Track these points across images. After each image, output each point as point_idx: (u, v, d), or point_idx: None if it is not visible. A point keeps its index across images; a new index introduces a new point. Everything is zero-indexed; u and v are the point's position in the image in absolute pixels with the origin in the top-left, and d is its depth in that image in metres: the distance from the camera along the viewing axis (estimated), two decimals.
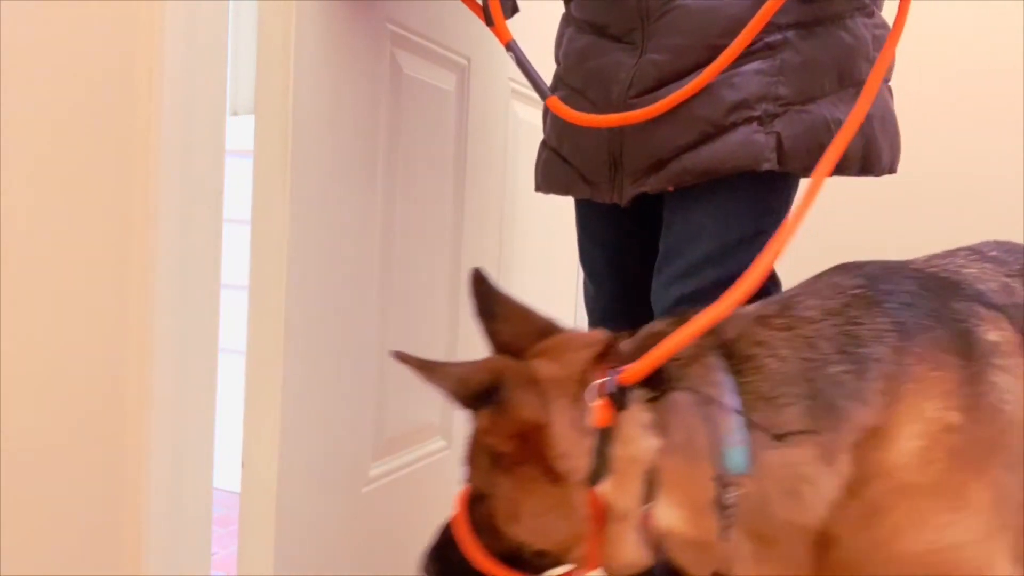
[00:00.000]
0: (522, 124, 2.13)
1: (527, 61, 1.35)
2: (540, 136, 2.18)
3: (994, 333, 0.98)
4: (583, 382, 0.98)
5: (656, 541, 0.97)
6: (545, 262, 2.37)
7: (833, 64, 1.29)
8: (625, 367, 0.97)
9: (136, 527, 1.19)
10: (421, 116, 1.67)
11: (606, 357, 1.01)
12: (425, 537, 1.70)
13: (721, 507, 0.94)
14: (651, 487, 0.96)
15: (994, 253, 1.11)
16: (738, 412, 0.94)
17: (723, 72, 1.25)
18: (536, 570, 1.05)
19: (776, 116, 1.27)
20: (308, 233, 1.38)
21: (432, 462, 1.74)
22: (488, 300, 1.11)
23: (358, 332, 1.53)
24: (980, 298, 1.01)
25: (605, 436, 0.95)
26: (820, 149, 1.24)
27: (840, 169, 1.30)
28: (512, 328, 1.09)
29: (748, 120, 1.26)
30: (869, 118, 1.31)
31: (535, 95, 2.16)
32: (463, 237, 1.86)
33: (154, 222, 1.18)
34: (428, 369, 0.97)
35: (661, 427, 0.96)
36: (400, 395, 1.63)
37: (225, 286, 1.27)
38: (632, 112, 1.29)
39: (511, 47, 1.36)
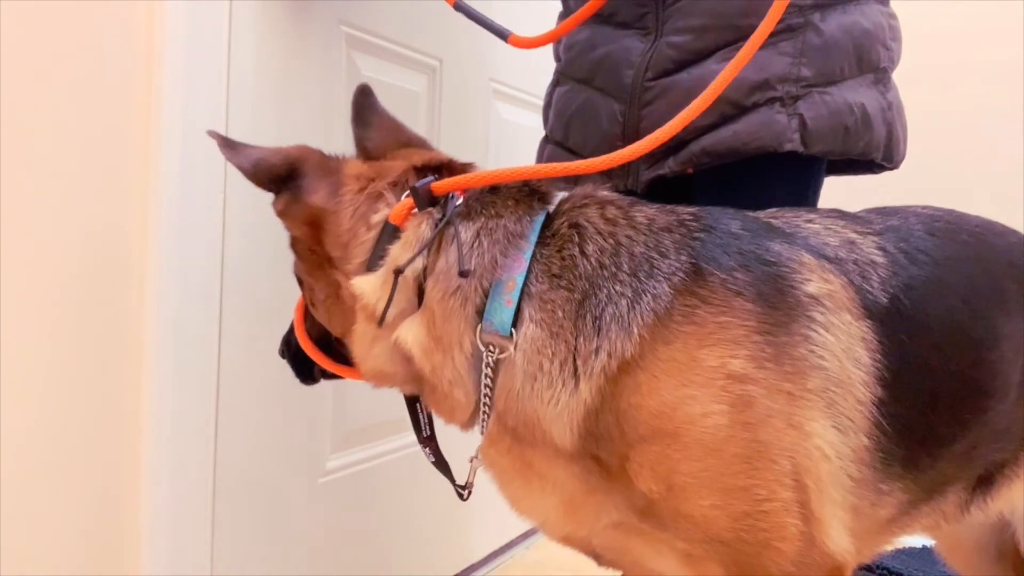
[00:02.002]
0: (506, 124, 2.13)
1: (477, 12, 1.39)
2: (526, 135, 2.18)
3: (815, 284, 0.93)
4: (395, 183, 0.99)
5: (403, 359, 0.96)
6: None
7: (853, 47, 1.30)
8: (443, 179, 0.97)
9: (136, 527, 1.22)
10: None
11: (434, 171, 1.01)
12: (381, 530, 1.73)
13: (476, 360, 0.93)
14: (410, 300, 0.95)
15: (863, 214, 1.07)
16: (520, 273, 0.93)
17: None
18: (342, 358, 1.07)
19: (799, 98, 1.27)
20: (243, 234, 1.38)
21: (393, 459, 1.75)
22: (365, 111, 1.14)
23: None
24: (808, 247, 0.96)
25: (389, 234, 0.95)
26: (845, 131, 1.28)
27: (866, 152, 1.32)
28: (380, 136, 1.11)
29: (770, 101, 1.27)
30: (889, 105, 1.35)
31: (520, 95, 2.19)
32: None
33: (154, 221, 1.21)
34: (230, 147, 0.98)
35: (439, 247, 0.95)
36: (361, 389, 1.65)
37: None
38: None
39: (459, 6, 1.38)
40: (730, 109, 1.28)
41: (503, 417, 0.94)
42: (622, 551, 0.99)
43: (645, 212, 0.98)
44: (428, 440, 1.08)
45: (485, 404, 0.93)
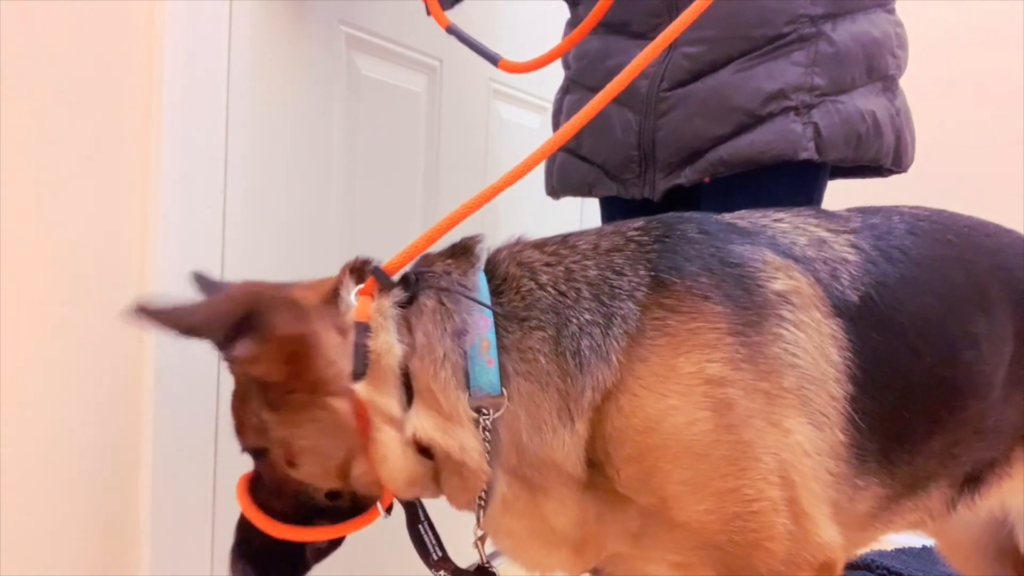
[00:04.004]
0: (506, 124, 2.14)
1: (469, 36, 1.38)
2: (526, 135, 2.19)
3: (781, 282, 0.92)
4: (339, 285, 0.97)
5: (419, 452, 0.93)
6: None
7: (863, 56, 1.33)
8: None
9: (136, 527, 1.22)
10: (385, 117, 1.69)
11: (362, 269, 0.99)
12: (381, 530, 1.72)
13: (477, 426, 0.91)
14: (405, 388, 0.92)
15: (841, 213, 1.06)
16: (489, 331, 0.91)
17: (761, 63, 1.29)
18: (337, 516, 1.02)
19: (812, 106, 1.29)
20: (243, 233, 1.38)
21: None
22: (214, 290, 1.07)
23: None
24: (773, 246, 0.96)
25: (362, 332, 0.92)
26: (857, 139, 1.31)
27: (877, 158, 1.35)
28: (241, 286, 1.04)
29: (785, 110, 1.29)
30: (898, 111, 1.37)
31: (520, 95, 2.20)
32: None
33: (154, 221, 1.21)
34: (167, 313, 0.88)
35: (409, 326, 0.93)
36: None
37: None
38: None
39: (451, 30, 1.39)
40: (746, 119, 1.29)
41: (518, 471, 0.93)
42: (619, 565, 1.01)
43: (586, 238, 0.98)
44: (442, 562, 1.03)
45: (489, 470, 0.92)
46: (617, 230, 0.98)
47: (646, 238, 0.96)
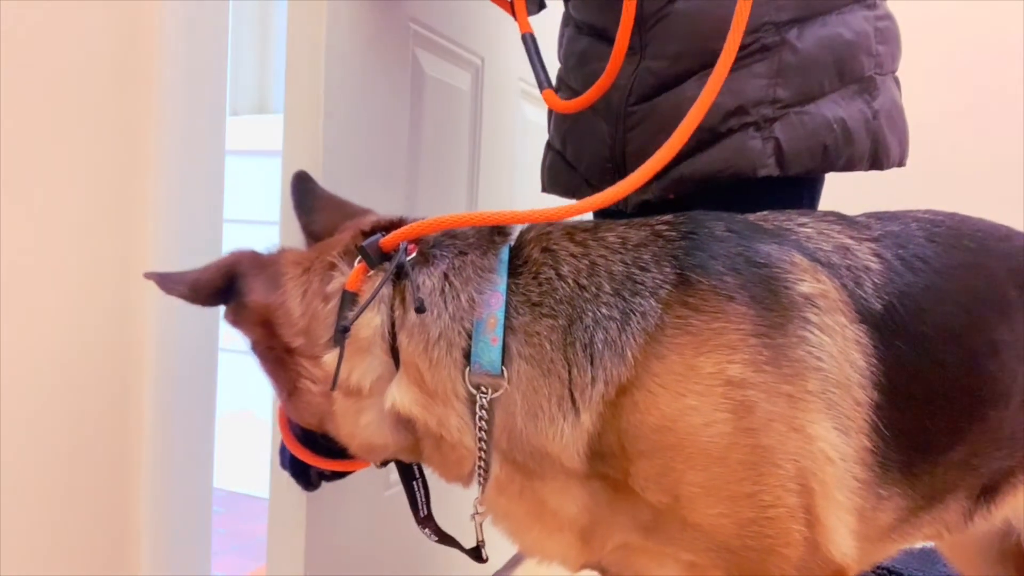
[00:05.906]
0: (530, 124, 2.15)
1: (537, 53, 1.33)
2: (546, 137, 2.16)
3: (808, 285, 0.91)
4: (345, 252, 0.97)
5: (397, 424, 0.94)
6: None
7: (833, 61, 1.26)
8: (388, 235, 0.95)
9: (136, 527, 1.21)
10: (440, 115, 1.68)
11: (384, 230, 0.97)
12: (419, 542, 1.69)
13: (471, 404, 0.91)
14: (384, 362, 0.93)
15: (861, 219, 1.05)
16: (499, 309, 0.90)
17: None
18: (333, 454, 1.05)
19: (775, 120, 1.24)
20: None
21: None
22: (305, 196, 1.11)
23: None
24: (800, 248, 0.95)
25: (349, 302, 0.92)
26: (824, 150, 1.25)
27: (849, 165, 1.29)
28: (324, 217, 1.07)
29: (744, 126, 1.24)
30: (876, 113, 1.30)
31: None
32: None
33: (154, 222, 1.19)
34: (164, 279, 0.93)
35: (403, 300, 0.92)
36: None
37: None
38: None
39: (525, 39, 1.34)
40: (706, 135, 1.25)
41: (510, 455, 0.93)
42: (626, 565, 0.99)
43: (616, 231, 0.96)
44: (426, 520, 1.07)
45: (482, 448, 0.92)
46: (646, 223, 0.98)
47: (673, 233, 0.95)
